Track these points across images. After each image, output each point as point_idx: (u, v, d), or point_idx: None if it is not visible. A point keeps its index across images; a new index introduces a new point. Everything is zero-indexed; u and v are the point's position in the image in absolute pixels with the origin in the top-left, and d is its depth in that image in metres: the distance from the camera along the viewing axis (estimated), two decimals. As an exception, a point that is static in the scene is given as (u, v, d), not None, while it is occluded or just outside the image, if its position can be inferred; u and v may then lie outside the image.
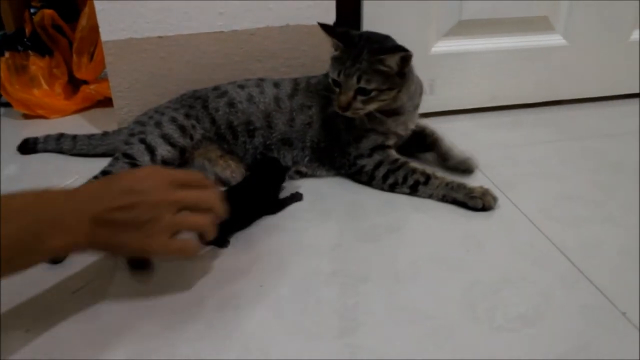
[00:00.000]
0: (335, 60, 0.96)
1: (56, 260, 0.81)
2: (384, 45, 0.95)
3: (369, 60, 0.92)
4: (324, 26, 0.97)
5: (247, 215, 0.90)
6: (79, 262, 0.82)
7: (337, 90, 0.95)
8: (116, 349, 0.67)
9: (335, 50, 0.97)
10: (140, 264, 0.77)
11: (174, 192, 0.70)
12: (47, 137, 1.15)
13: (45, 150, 1.15)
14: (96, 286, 0.78)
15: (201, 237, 0.74)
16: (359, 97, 0.94)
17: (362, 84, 0.92)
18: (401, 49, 0.93)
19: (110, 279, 0.80)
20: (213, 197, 0.74)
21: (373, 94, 0.93)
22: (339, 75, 0.94)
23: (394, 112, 1.00)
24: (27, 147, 1.16)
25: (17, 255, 0.60)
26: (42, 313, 0.73)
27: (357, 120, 0.98)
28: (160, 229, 0.67)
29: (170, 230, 0.68)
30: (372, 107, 0.95)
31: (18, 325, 0.71)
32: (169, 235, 0.68)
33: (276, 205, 0.95)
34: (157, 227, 0.67)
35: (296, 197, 0.96)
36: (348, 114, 0.95)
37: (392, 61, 0.92)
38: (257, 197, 0.92)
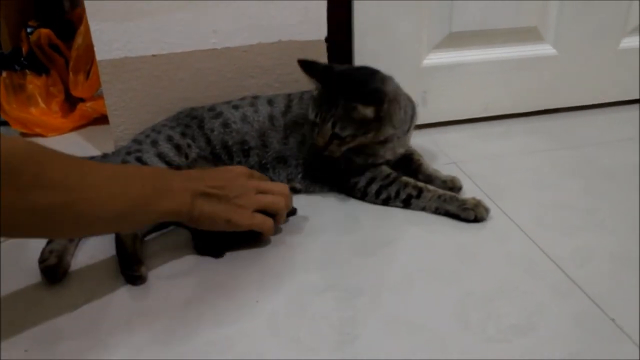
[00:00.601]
0: (314, 100, 0.96)
1: (53, 278, 0.83)
2: (360, 90, 0.93)
3: (344, 107, 0.92)
4: (303, 64, 0.97)
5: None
6: (78, 279, 0.83)
7: (316, 129, 0.96)
8: (114, 368, 0.68)
9: (316, 89, 0.97)
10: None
11: (254, 180, 0.89)
12: None
13: None
14: (95, 305, 0.79)
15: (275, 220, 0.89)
16: (335, 141, 0.94)
17: (337, 130, 0.93)
18: (376, 98, 0.92)
19: (109, 296, 0.80)
20: (283, 188, 0.91)
21: (348, 139, 0.94)
22: (315, 117, 0.95)
23: (379, 142, 1.00)
24: None
25: (136, 212, 0.74)
26: (41, 332, 0.74)
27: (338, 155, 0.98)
28: (245, 203, 0.84)
29: (253, 206, 0.85)
30: (350, 146, 0.96)
31: (17, 344, 0.71)
32: (252, 210, 0.85)
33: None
34: (243, 201, 0.84)
35: (291, 212, 0.97)
36: (326, 154, 0.96)
37: (366, 111, 0.92)
38: None
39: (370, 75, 0.97)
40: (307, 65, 0.97)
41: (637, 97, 1.43)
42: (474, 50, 1.30)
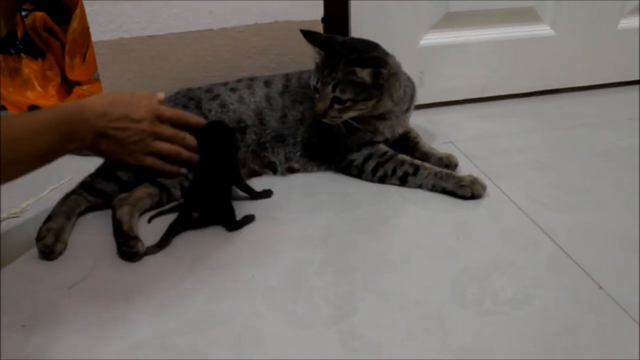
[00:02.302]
0: (316, 67, 0.97)
1: (50, 256, 0.83)
2: (361, 56, 0.94)
3: (344, 71, 0.93)
4: (306, 34, 0.98)
5: (211, 191, 0.91)
6: (75, 258, 0.84)
7: (317, 96, 0.97)
8: (111, 341, 0.68)
9: (318, 57, 0.98)
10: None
11: (158, 125, 0.92)
12: None
13: None
14: (92, 281, 0.79)
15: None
16: (335, 106, 0.95)
17: (337, 94, 0.94)
18: (375, 62, 0.93)
19: (106, 273, 0.81)
20: (185, 136, 0.95)
21: (348, 103, 0.94)
22: (317, 82, 0.96)
23: (378, 117, 1.01)
24: None
25: (47, 159, 0.81)
26: (39, 308, 0.74)
27: (336, 126, 0.98)
28: (139, 149, 0.91)
29: (146, 150, 0.92)
30: (349, 115, 0.97)
31: (15, 321, 0.72)
32: (144, 154, 0.92)
33: (236, 175, 0.96)
34: (137, 147, 0.91)
35: (266, 193, 0.97)
36: (325, 120, 0.96)
37: (364, 74, 0.93)
38: (214, 170, 0.92)
39: (372, 46, 0.99)
40: (310, 35, 0.98)
41: (636, 78, 1.43)
42: (472, 31, 1.29)
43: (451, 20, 1.26)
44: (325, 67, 0.95)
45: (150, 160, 0.93)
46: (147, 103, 0.92)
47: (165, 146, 0.93)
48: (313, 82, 0.97)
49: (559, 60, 1.36)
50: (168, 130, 0.94)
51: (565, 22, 1.32)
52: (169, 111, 0.95)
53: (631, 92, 1.39)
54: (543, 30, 1.33)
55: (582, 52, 1.37)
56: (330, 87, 0.94)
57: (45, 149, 0.79)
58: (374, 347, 0.67)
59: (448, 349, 0.66)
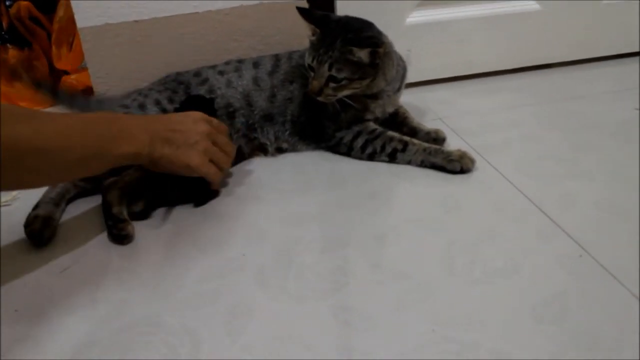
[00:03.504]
0: (312, 45, 0.97)
1: (40, 241, 0.83)
2: (358, 35, 0.95)
3: (341, 50, 0.93)
4: (301, 11, 0.98)
5: None
6: (65, 243, 0.84)
7: (311, 74, 0.97)
8: (104, 323, 0.69)
9: (313, 35, 0.98)
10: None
11: (210, 128, 0.88)
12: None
13: None
14: (83, 265, 0.79)
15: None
16: (331, 84, 0.95)
17: (333, 72, 0.94)
18: (372, 42, 0.94)
19: (96, 257, 0.81)
20: (233, 148, 0.94)
21: (344, 82, 0.95)
22: (312, 60, 0.96)
23: (371, 97, 1.01)
24: None
25: (93, 158, 0.74)
26: (30, 293, 0.74)
27: (330, 104, 0.99)
28: (203, 150, 0.85)
29: (207, 154, 0.86)
30: (344, 93, 0.97)
31: (7, 305, 0.72)
32: (206, 158, 0.86)
33: None
34: (201, 147, 0.85)
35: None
36: (320, 99, 0.97)
37: (362, 54, 0.93)
38: None
39: (367, 24, 0.99)
40: (305, 12, 0.98)
41: (621, 52, 1.43)
42: (458, 8, 1.29)
43: (437, -4, 1.26)
44: (321, 46, 0.94)
45: (213, 169, 0.88)
46: (191, 112, 0.90)
47: (219, 153, 0.89)
48: (308, 60, 0.97)
49: (546, 35, 1.36)
50: (222, 138, 0.91)
51: (551, -4, 1.32)
52: (216, 122, 0.92)
53: (617, 66, 1.40)
54: (529, 4, 1.32)
55: (568, 27, 1.36)
56: (326, 66, 0.94)
57: (88, 149, 0.73)
58: (366, 319, 0.67)
59: (438, 318, 0.67)
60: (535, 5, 1.32)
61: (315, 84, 0.96)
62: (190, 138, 0.85)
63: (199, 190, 0.91)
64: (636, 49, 1.43)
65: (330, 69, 0.94)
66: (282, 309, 0.70)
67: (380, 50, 0.94)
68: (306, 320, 0.68)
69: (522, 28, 1.33)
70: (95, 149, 0.74)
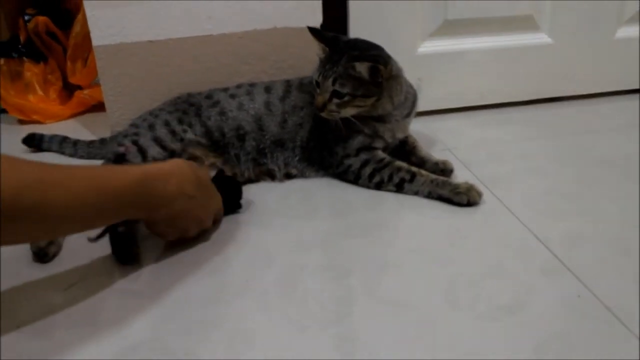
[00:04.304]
0: (320, 62, 1.00)
1: (44, 258, 0.84)
2: (363, 53, 0.97)
3: (345, 66, 0.95)
4: (313, 30, 1.01)
5: None
6: (71, 259, 0.84)
7: (317, 90, 0.99)
8: (107, 344, 0.69)
9: (323, 53, 1.01)
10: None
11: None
12: (52, 138, 1.20)
13: (49, 150, 1.20)
14: (88, 283, 0.79)
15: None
16: (334, 100, 0.96)
17: (337, 87, 0.95)
18: (373, 59, 0.95)
19: (101, 276, 0.81)
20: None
21: (346, 98, 0.96)
22: (319, 76, 0.98)
23: (378, 119, 1.02)
24: (32, 142, 1.22)
25: (111, 220, 0.77)
26: (33, 310, 0.74)
27: (333, 122, 1.00)
28: (199, 223, 0.86)
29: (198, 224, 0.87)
30: (348, 112, 0.98)
31: (10, 321, 0.72)
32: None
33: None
34: (202, 219, 0.86)
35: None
36: (324, 114, 0.98)
37: (362, 69, 0.94)
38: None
39: (375, 46, 1.01)
40: (316, 32, 1.02)
41: (633, 87, 1.43)
42: (470, 39, 1.30)
43: (449, 28, 1.27)
44: (327, 62, 0.97)
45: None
46: (202, 171, 0.89)
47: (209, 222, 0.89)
48: (315, 76, 0.99)
49: (557, 68, 1.37)
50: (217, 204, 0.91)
51: (563, 30, 1.33)
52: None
53: (628, 101, 1.40)
54: (541, 38, 1.33)
55: (579, 61, 1.37)
56: (330, 80, 0.95)
57: (109, 218, 0.75)
58: (368, 350, 0.67)
59: (441, 352, 0.66)
60: (547, 39, 1.33)
61: (319, 99, 0.97)
62: (202, 214, 0.86)
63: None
64: (647, 85, 1.43)
65: (333, 84, 0.95)
66: (284, 335, 0.69)
67: (381, 67, 0.95)
68: (308, 348, 0.67)
69: (534, 61, 1.34)
70: (109, 217, 0.75)
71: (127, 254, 0.84)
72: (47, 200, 0.64)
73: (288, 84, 1.09)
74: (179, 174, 0.80)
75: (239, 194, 0.96)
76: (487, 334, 0.69)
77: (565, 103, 1.40)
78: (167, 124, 1.01)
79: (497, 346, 0.67)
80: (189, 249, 0.87)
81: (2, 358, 0.66)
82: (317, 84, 0.98)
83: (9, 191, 0.59)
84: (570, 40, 1.34)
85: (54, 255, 0.85)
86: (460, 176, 1.04)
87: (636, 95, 1.42)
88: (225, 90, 1.09)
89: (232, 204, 0.95)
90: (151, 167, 0.81)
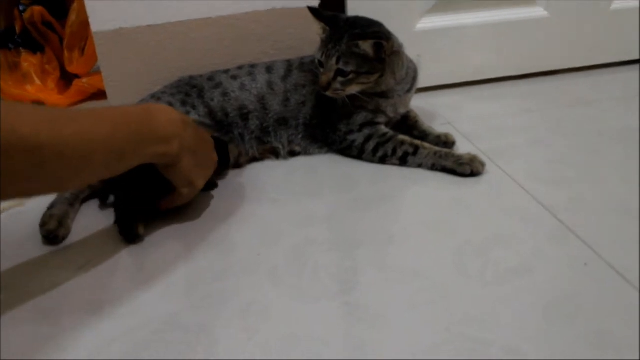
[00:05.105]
0: (322, 42, 1.00)
1: (55, 241, 0.85)
2: (364, 30, 0.97)
3: (348, 44, 0.96)
4: (312, 10, 1.01)
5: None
6: (79, 242, 0.86)
7: (321, 70, 0.99)
8: (119, 321, 0.70)
9: (323, 33, 1.01)
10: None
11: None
12: None
13: None
14: (97, 264, 0.80)
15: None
16: (339, 78, 0.97)
17: (341, 66, 0.96)
18: (376, 36, 0.96)
19: (110, 257, 0.82)
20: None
21: (351, 76, 0.97)
22: (321, 55, 0.99)
23: (381, 95, 1.03)
24: None
25: (120, 159, 0.72)
26: (46, 291, 0.75)
27: (340, 100, 1.00)
28: (206, 176, 0.87)
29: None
30: (352, 89, 0.99)
31: (23, 305, 0.73)
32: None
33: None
34: (207, 173, 0.88)
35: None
36: (328, 93, 0.99)
37: (366, 46, 0.95)
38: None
39: (375, 23, 1.01)
40: (316, 12, 1.02)
41: (629, 59, 1.44)
42: (467, 14, 1.30)
43: (447, 4, 1.27)
44: (329, 42, 0.97)
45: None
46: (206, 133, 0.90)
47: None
48: (318, 55, 0.99)
49: (554, 41, 1.37)
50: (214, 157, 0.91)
51: (558, 3, 1.33)
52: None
53: (625, 72, 1.41)
54: (537, 12, 1.34)
55: (576, 33, 1.38)
56: (334, 60, 0.96)
57: (118, 149, 0.71)
58: (379, 317, 0.68)
59: (452, 317, 0.67)
60: (543, 12, 1.34)
61: (323, 78, 0.98)
62: (206, 162, 0.87)
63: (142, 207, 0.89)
64: (643, 56, 1.44)
65: (337, 63, 0.96)
66: (297, 307, 0.70)
67: (385, 43, 0.96)
68: (320, 318, 0.68)
69: (530, 35, 1.35)
70: (122, 151, 0.72)
71: (131, 231, 0.84)
72: (63, 136, 0.64)
73: (289, 63, 1.09)
74: (178, 112, 0.81)
75: (226, 158, 0.96)
76: (497, 297, 0.70)
77: (562, 76, 1.41)
78: (170, 106, 1.01)
79: (508, 309, 0.68)
80: (197, 225, 0.88)
81: (18, 343, 0.67)
82: (320, 63, 0.99)
83: (25, 129, 0.60)
84: (566, 13, 1.35)
85: (64, 238, 0.85)
86: (462, 149, 1.05)
87: (633, 66, 1.43)
88: (227, 71, 1.09)
89: (220, 166, 0.93)
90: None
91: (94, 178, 0.78)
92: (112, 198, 0.94)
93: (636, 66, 1.43)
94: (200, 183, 0.86)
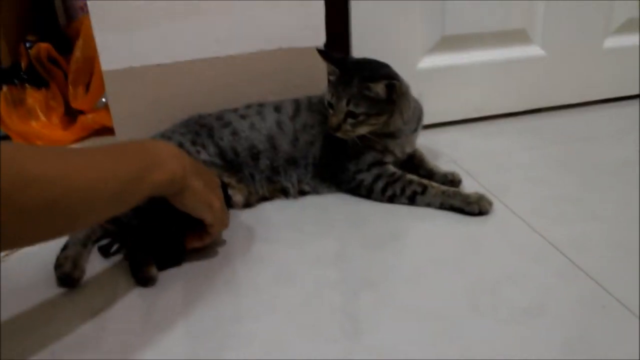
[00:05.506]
0: (331, 84, 1.03)
1: (71, 283, 0.85)
2: (374, 72, 1.00)
3: (358, 86, 0.98)
4: (321, 52, 1.04)
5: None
6: (93, 285, 0.86)
7: (331, 112, 1.01)
8: (142, 363, 0.70)
9: (332, 74, 1.03)
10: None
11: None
12: None
13: None
14: (113, 306, 0.81)
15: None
16: (349, 120, 0.99)
17: (351, 108, 0.98)
18: (387, 77, 0.98)
19: (125, 299, 0.82)
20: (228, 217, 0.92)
21: (361, 117, 0.99)
22: (331, 97, 1.01)
23: (389, 135, 1.05)
24: None
25: (129, 190, 0.71)
26: (63, 336, 0.75)
27: (349, 140, 1.02)
28: (219, 199, 0.87)
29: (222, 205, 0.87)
30: (362, 130, 1.01)
31: (42, 350, 0.73)
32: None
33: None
34: (218, 193, 0.87)
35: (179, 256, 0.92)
36: (339, 134, 1.01)
37: (378, 88, 0.98)
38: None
39: (383, 65, 1.04)
40: (325, 54, 1.04)
41: (623, 95, 1.49)
42: (466, 53, 1.34)
43: (447, 43, 1.31)
44: (339, 84, 1.00)
45: (226, 218, 0.89)
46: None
47: (227, 211, 0.90)
48: (327, 97, 1.01)
49: (550, 79, 1.42)
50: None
51: (554, 42, 1.38)
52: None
53: (619, 108, 1.46)
54: (534, 50, 1.38)
55: (571, 71, 1.42)
56: (344, 102, 0.98)
57: (120, 181, 0.70)
58: (397, 358, 0.69)
59: (469, 357, 0.68)
60: (540, 51, 1.38)
61: (334, 120, 1.00)
62: (213, 183, 0.87)
63: (172, 250, 0.89)
64: (636, 92, 1.49)
65: (348, 105, 0.98)
66: (314, 348, 0.71)
67: (397, 84, 0.98)
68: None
69: (527, 73, 1.39)
70: (133, 178, 0.72)
71: (145, 275, 0.85)
72: (71, 171, 0.64)
73: (297, 103, 1.11)
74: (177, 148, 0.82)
75: (227, 199, 0.94)
76: (513, 336, 0.71)
77: (559, 112, 1.45)
78: (180, 145, 1.02)
79: (525, 349, 0.70)
80: (205, 265, 0.89)
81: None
82: (330, 105, 1.01)
83: (35, 167, 0.60)
84: (561, 51, 1.39)
85: (79, 280, 0.85)
86: (467, 186, 1.08)
87: (627, 102, 1.48)
88: (235, 110, 1.11)
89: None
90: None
91: (105, 213, 0.75)
92: (115, 247, 0.93)
93: (631, 101, 1.48)
94: (218, 204, 0.85)
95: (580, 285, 0.80)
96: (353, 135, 1.01)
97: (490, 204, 0.99)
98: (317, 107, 1.09)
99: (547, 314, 0.75)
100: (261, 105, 1.11)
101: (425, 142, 1.24)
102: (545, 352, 0.69)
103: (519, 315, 0.75)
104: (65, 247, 0.89)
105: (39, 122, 1.42)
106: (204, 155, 1.03)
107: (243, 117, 1.08)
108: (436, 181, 1.05)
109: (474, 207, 0.98)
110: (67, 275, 0.84)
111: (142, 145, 0.79)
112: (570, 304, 0.77)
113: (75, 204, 0.65)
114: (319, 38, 1.21)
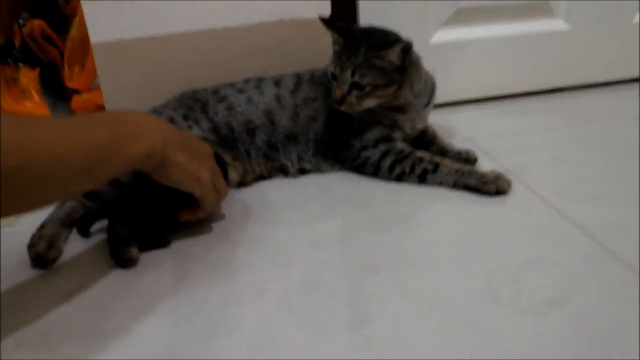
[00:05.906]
0: (335, 54, 0.95)
1: (44, 264, 0.78)
2: (383, 40, 0.92)
3: (365, 55, 0.90)
4: (324, 20, 0.96)
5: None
6: (71, 266, 0.79)
7: (335, 83, 0.94)
8: (114, 351, 0.63)
9: (336, 44, 0.95)
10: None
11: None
12: None
13: None
14: (88, 290, 0.74)
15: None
16: (354, 92, 0.92)
17: (356, 78, 0.91)
18: (400, 40, 0.91)
19: (102, 282, 0.75)
20: (226, 189, 0.87)
21: (367, 89, 0.91)
22: (335, 68, 0.93)
23: (398, 109, 0.98)
24: None
25: (103, 163, 0.66)
26: (33, 319, 0.69)
27: (355, 115, 0.95)
28: (208, 168, 0.80)
29: (212, 175, 0.80)
30: (368, 103, 0.93)
31: (8, 333, 0.66)
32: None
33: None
34: (207, 165, 0.80)
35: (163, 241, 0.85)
36: (343, 108, 0.93)
37: (393, 55, 0.90)
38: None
39: (392, 33, 0.96)
40: (328, 22, 0.96)
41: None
42: (483, 27, 1.25)
43: (462, 16, 1.22)
44: (343, 53, 0.92)
45: (215, 194, 0.82)
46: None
47: (222, 182, 0.84)
48: (331, 68, 0.93)
49: (574, 55, 1.32)
50: (220, 177, 0.85)
51: (579, 16, 1.28)
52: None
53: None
54: (557, 25, 1.29)
55: (597, 47, 1.33)
56: (349, 72, 0.90)
57: (94, 153, 0.65)
58: (404, 351, 0.61)
59: (485, 352, 0.60)
60: (563, 25, 1.28)
61: (338, 92, 0.92)
62: (201, 152, 0.80)
63: (156, 229, 0.83)
64: (667, 71, 1.38)
65: (353, 75, 0.90)
66: (310, 339, 0.63)
67: (407, 51, 0.91)
68: (337, 351, 0.61)
69: (550, 48, 1.29)
70: (104, 151, 0.66)
71: (124, 256, 0.78)
72: (42, 142, 0.60)
73: (298, 76, 1.04)
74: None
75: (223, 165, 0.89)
76: (534, 329, 0.63)
77: (583, 92, 1.35)
78: (171, 119, 0.96)
79: (548, 343, 0.61)
80: (196, 245, 0.82)
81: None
82: (334, 76, 0.93)
83: (5, 136, 0.56)
84: (586, 26, 1.30)
85: (54, 261, 0.79)
86: (484, 166, 0.99)
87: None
88: (232, 85, 1.04)
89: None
90: None
91: (74, 187, 0.69)
92: (96, 226, 0.87)
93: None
94: (206, 175, 0.78)
95: (611, 272, 0.71)
96: (358, 108, 0.93)
97: (509, 183, 0.90)
98: (320, 80, 1.01)
99: (574, 304, 0.66)
100: (260, 79, 1.04)
101: (439, 122, 1.16)
102: (570, 347, 0.60)
103: (541, 306, 0.66)
104: (42, 226, 0.82)
105: (33, 102, 1.36)
106: (196, 131, 0.96)
107: (240, 91, 1.01)
108: (449, 159, 0.96)
109: (491, 187, 0.89)
110: (40, 255, 0.78)
111: (117, 116, 0.74)
112: (599, 292, 0.68)
113: (37, 175, 0.60)
114: (323, 10, 1.12)
